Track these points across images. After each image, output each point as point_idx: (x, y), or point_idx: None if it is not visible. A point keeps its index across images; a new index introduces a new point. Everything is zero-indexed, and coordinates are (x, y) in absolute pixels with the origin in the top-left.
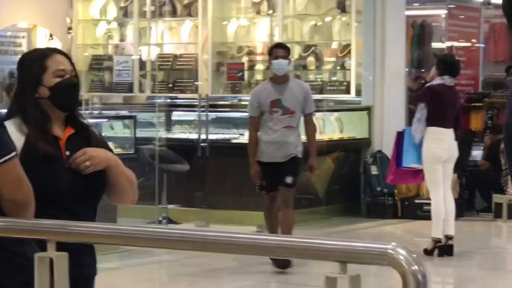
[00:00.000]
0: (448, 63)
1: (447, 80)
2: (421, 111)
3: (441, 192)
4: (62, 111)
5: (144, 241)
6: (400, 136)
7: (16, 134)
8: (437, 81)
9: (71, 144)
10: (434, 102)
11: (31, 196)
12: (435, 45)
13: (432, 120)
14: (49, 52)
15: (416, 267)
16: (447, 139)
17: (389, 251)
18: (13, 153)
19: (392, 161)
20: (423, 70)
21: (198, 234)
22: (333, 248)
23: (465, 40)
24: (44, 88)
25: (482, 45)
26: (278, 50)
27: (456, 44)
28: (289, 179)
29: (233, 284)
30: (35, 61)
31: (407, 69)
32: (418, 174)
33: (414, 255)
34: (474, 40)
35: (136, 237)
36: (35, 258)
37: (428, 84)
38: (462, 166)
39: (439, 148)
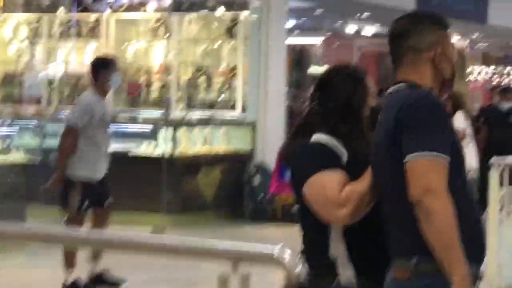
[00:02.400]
0: None
1: None
2: None
3: None
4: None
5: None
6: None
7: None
8: None
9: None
10: None
11: None
12: (313, 68)
13: None
14: (363, 71)
15: (299, 267)
16: None
17: (275, 254)
18: None
19: (275, 174)
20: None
21: (100, 236)
22: (226, 249)
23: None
24: (367, 108)
25: None
26: (115, 65)
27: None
28: (111, 199)
29: (130, 278)
30: (358, 80)
31: (286, 89)
32: None
33: (298, 256)
34: None
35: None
36: None
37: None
38: None
39: None
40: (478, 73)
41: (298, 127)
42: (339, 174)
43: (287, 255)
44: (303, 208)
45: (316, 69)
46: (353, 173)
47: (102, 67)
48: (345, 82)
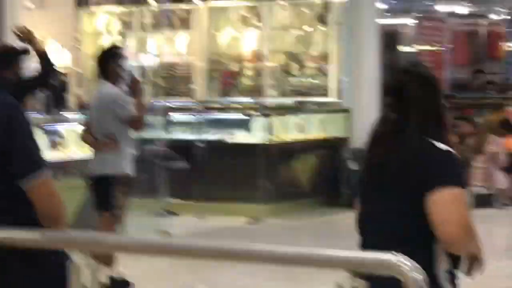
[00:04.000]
0: None
1: None
2: None
3: None
4: None
5: (162, 251)
6: None
7: None
8: None
9: None
10: None
11: (64, 210)
12: (405, 49)
13: None
14: (432, 72)
15: (417, 274)
16: None
17: (393, 261)
18: (47, 170)
19: None
20: None
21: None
22: (344, 257)
23: (431, 45)
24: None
25: (446, 50)
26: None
27: (423, 48)
28: None
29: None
30: (433, 83)
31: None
32: None
33: (416, 265)
34: (438, 45)
35: (156, 248)
36: (68, 266)
37: None
38: None
39: None
40: None
41: (384, 134)
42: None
43: (405, 262)
44: (414, 212)
45: (407, 50)
46: None
47: (110, 58)
48: (421, 89)
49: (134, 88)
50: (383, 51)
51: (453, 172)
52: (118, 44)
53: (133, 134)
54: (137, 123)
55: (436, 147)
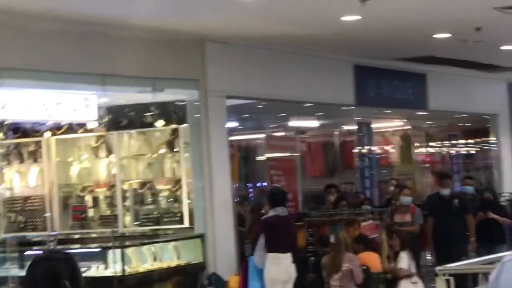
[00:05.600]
0: (275, 196)
1: (279, 211)
2: (263, 239)
3: None
4: None
5: None
6: (245, 264)
7: None
8: (271, 213)
9: None
10: (270, 232)
11: None
12: (259, 158)
13: (270, 247)
14: None
15: None
16: (285, 262)
17: None
18: None
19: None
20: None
21: None
22: None
23: (284, 157)
24: None
25: (300, 160)
26: None
27: (276, 155)
28: None
29: None
30: None
31: (236, 185)
32: None
33: None
34: (291, 157)
35: None
36: None
37: (263, 217)
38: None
39: (278, 271)
40: (424, 150)
41: None
42: None
43: None
44: None
45: (262, 159)
46: None
47: None
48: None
49: None
50: (239, 164)
51: None
52: None
53: None
54: None
55: None
